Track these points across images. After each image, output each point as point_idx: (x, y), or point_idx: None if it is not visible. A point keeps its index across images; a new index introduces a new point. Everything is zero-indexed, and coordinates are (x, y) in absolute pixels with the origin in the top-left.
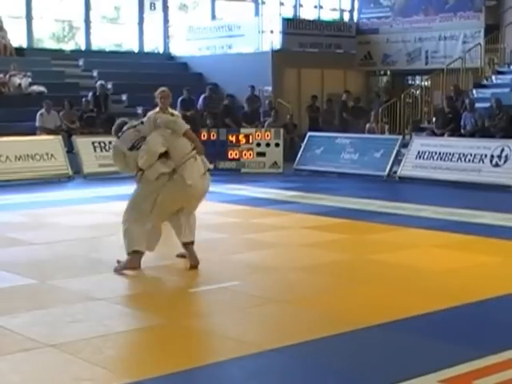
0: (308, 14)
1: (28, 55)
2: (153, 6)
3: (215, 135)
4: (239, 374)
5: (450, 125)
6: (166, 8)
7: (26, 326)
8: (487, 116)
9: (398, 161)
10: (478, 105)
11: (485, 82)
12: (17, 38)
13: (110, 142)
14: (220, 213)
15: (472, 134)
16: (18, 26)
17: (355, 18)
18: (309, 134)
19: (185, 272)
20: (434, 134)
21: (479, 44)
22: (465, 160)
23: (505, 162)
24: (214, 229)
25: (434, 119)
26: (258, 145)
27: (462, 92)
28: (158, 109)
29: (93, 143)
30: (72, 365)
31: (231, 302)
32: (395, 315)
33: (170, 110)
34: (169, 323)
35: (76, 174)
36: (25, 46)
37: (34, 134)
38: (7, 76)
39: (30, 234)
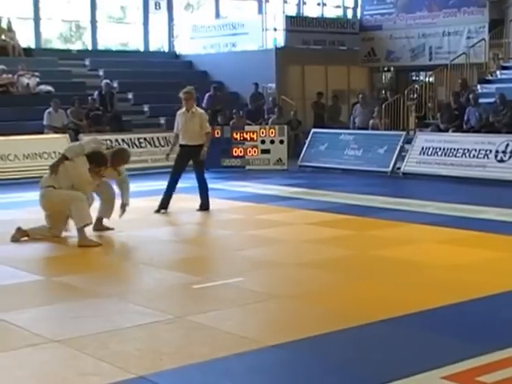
0: (311, 11)
1: (36, 55)
2: (158, 5)
3: (220, 133)
4: (241, 369)
5: (456, 120)
6: (170, 7)
7: (32, 321)
8: (492, 111)
9: (401, 157)
10: (482, 100)
11: (489, 77)
12: (25, 38)
13: (116, 140)
14: (225, 210)
15: (477, 130)
16: (26, 27)
17: (358, 15)
18: (313, 130)
19: (189, 268)
20: (438, 129)
21: (483, 39)
22: (469, 155)
23: (510, 157)
24: (218, 225)
25: (438, 114)
26: (263, 142)
27: (468, 86)
28: (183, 109)
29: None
30: (78, 360)
31: (235, 298)
32: (398, 311)
33: (194, 108)
34: (174, 319)
35: None
36: (33, 46)
37: (41, 132)
38: (15, 76)
39: None
